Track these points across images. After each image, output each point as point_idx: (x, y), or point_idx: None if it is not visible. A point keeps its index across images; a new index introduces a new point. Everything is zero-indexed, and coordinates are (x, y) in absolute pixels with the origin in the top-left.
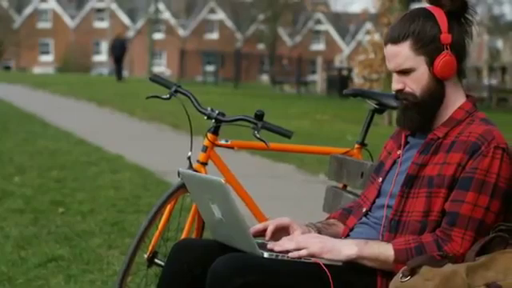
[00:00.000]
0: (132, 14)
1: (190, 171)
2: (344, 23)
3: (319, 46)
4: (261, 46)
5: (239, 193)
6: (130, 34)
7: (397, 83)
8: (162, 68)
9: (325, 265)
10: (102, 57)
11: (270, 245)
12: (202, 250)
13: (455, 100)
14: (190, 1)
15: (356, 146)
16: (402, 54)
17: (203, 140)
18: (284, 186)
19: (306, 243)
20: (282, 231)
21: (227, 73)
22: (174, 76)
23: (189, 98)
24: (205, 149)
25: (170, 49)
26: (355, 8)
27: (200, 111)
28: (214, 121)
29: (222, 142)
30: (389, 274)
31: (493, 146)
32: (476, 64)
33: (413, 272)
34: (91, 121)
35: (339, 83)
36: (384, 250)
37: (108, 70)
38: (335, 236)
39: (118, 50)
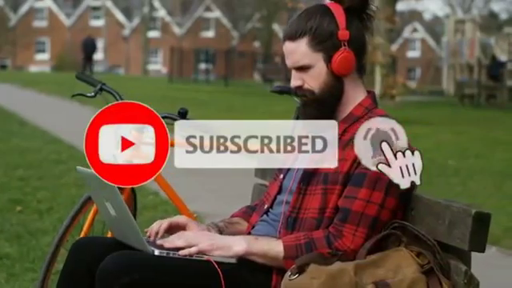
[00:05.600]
0: (128, 12)
1: (85, 168)
2: None
3: None
4: (257, 44)
5: (166, 190)
6: (126, 32)
7: (295, 80)
8: (158, 66)
9: (218, 262)
10: (98, 55)
11: (159, 241)
12: (101, 249)
13: (355, 96)
14: None
15: None
16: (299, 50)
17: None
18: (248, 184)
19: (196, 240)
20: (178, 230)
21: (221, 71)
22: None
23: (114, 95)
24: None
25: (166, 47)
26: None
27: None
28: None
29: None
30: (284, 272)
31: None
32: (468, 61)
33: (301, 270)
34: (71, 119)
35: None
36: (274, 247)
37: (103, 68)
38: (238, 234)
39: (89, 49)
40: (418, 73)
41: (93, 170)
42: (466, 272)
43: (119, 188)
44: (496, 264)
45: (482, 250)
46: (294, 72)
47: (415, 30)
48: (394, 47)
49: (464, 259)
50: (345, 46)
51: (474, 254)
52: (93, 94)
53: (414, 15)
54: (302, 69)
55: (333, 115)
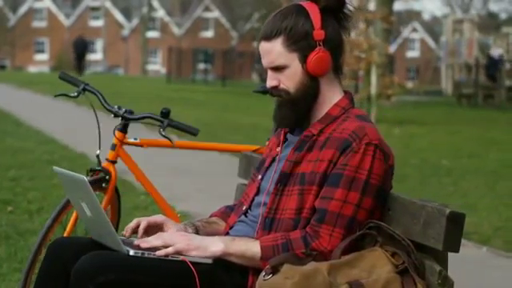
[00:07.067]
0: (127, 13)
1: (62, 169)
2: None
3: None
4: (256, 44)
5: (149, 191)
6: (125, 32)
7: (271, 80)
8: (157, 66)
9: (194, 263)
10: (97, 55)
11: (136, 241)
12: (77, 249)
13: (331, 96)
14: None
15: (267, 143)
16: (274, 50)
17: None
18: None
19: (173, 240)
20: (155, 229)
21: (220, 71)
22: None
23: (96, 96)
24: (113, 147)
25: (165, 47)
26: None
27: (107, 109)
28: (121, 119)
29: (131, 140)
30: (260, 273)
31: (364, 142)
32: (466, 61)
33: (275, 270)
34: (65, 120)
35: None
36: (251, 247)
37: (103, 68)
38: (215, 234)
39: (80, 49)
40: (418, 73)
41: (68, 171)
42: (440, 272)
43: (103, 188)
44: (487, 264)
45: (457, 250)
46: (269, 72)
47: (414, 30)
48: (393, 47)
49: (439, 259)
50: (320, 45)
51: (465, 254)
52: (76, 94)
53: (414, 15)
54: (278, 69)
55: (308, 115)
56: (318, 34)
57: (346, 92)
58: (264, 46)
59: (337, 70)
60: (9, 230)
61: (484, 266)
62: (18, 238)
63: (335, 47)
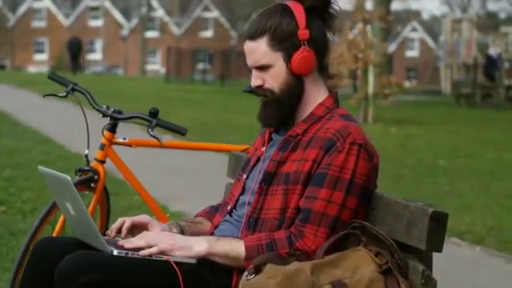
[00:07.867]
0: (126, 13)
1: (47, 169)
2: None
3: None
4: None
5: (138, 190)
6: (125, 32)
7: (255, 79)
8: (156, 66)
9: (178, 263)
10: (97, 55)
11: (120, 242)
12: (62, 249)
13: (316, 96)
14: None
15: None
16: (259, 50)
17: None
18: None
19: (157, 240)
20: (140, 229)
21: (219, 71)
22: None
23: (85, 95)
24: (102, 147)
25: (164, 47)
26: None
27: (96, 109)
28: (109, 119)
29: (120, 139)
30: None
31: (348, 141)
32: (465, 60)
33: (257, 270)
34: (63, 120)
35: None
36: (235, 247)
37: (102, 69)
38: (200, 234)
39: (74, 48)
40: (417, 72)
41: (54, 171)
42: (423, 272)
43: (92, 188)
44: (480, 263)
45: (440, 250)
46: (254, 71)
47: (414, 30)
48: (393, 47)
49: (423, 259)
50: (305, 45)
51: (459, 254)
52: (64, 94)
53: (412, 15)
54: (262, 68)
55: (293, 115)
56: (303, 33)
57: (330, 91)
58: (249, 46)
59: (321, 69)
60: (1, 229)
61: (477, 266)
62: (10, 238)
63: (320, 47)
